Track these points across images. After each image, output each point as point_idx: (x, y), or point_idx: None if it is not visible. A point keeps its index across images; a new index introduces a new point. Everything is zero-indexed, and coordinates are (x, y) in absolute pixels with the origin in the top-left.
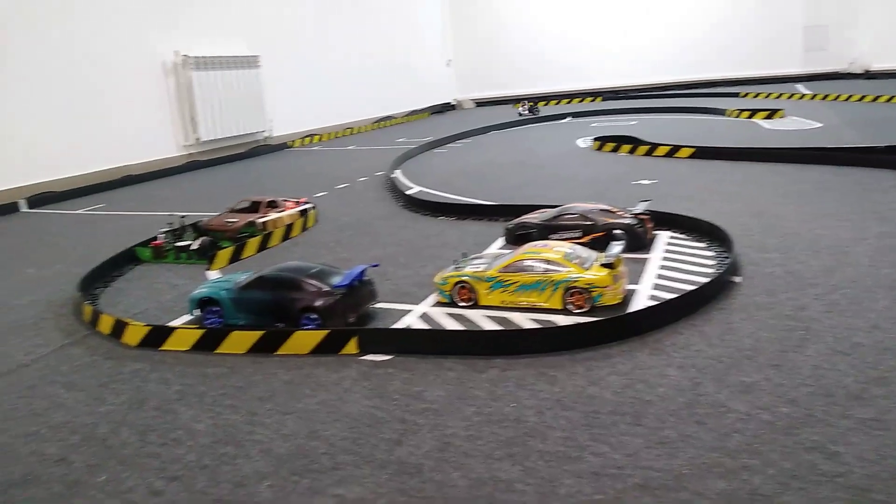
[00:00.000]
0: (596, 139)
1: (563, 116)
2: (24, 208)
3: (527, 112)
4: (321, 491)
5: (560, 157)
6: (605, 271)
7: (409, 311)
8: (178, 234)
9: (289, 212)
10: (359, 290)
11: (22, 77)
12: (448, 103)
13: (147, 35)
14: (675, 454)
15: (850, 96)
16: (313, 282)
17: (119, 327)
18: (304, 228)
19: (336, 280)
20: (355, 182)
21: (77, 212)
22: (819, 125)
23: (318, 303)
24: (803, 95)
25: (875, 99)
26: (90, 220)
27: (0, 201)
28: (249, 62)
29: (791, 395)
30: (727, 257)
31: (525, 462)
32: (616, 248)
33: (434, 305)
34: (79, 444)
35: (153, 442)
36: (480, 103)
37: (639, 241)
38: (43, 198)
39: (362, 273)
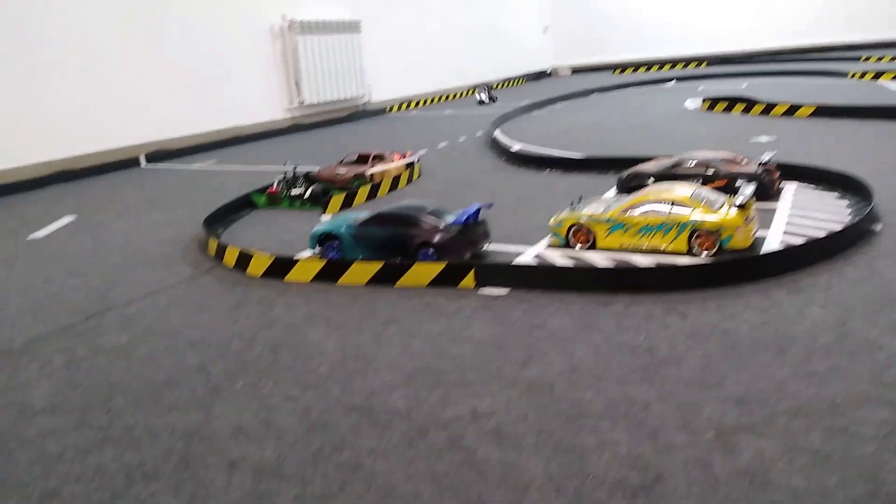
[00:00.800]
0: (706, 100)
1: (666, 81)
2: (143, 164)
3: (486, 98)
4: (454, 402)
5: (668, 118)
6: (735, 212)
7: (523, 252)
8: (290, 182)
9: (396, 164)
10: (474, 229)
11: (142, 43)
12: (544, 71)
13: None
14: (825, 385)
15: None
16: (430, 218)
17: (244, 259)
18: (410, 181)
19: (452, 218)
20: (455, 142)
21: (192, 167)
22: None
23: (436, 238)
24: None
25: None
26: (205, 175)
27: (122, 157)
28: (351, 27)
29: None
30: (865, 205)
31: (662, 386)
32: (749, 188)
33: (548, 248)
34: (215, 356)
35: (285, 357)
36: (577, 70)
37: (765, 191)
38: (160, 154)
39: (477, 212)
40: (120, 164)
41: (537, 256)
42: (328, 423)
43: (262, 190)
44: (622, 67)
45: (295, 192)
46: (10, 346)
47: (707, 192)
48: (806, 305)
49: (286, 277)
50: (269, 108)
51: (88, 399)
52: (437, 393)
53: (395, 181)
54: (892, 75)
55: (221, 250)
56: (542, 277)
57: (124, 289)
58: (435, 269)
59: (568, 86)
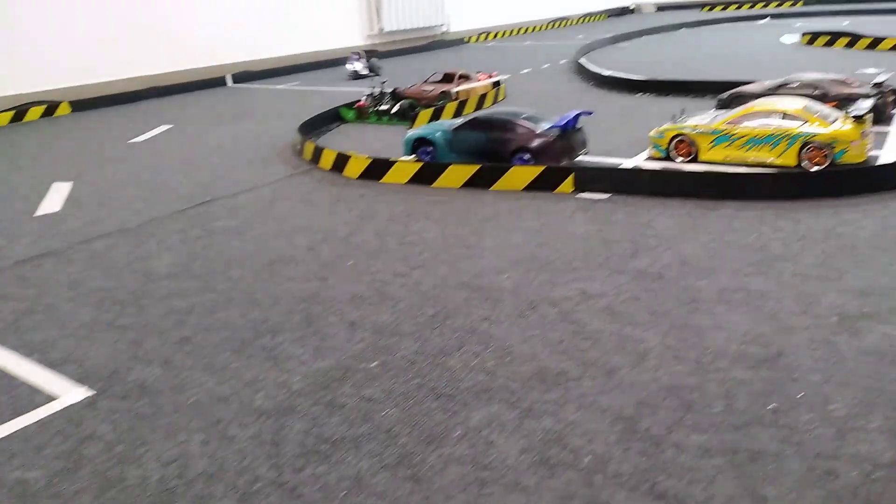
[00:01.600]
0: (805, 34)
1: (759, 18)
2: (230, 83)
3: (363, 69)
4: (561, 284)
5: (764, 51)
6: (852, 125)
7: (621, 163)
8: (378, 99)
9: (482, 82)
10: (572, 135)
11: None
12: (626, 7)
13: None
14: None
15: None
16: (527, 123)
17: (341, 161)
18: (496, 101)
19: (548, 124)
20: (539, 68)
21: (276, 87)
22: None
23: (533, 143)
24: None
25: None
26: (290, 93)
27: (210, 76)
28: None
29: None
30: None
31: (778, 278)
32: (866, 102)
33: (647, 160)
34: (322, 240)
35: (390, 242)
36: (662, 7)
37: (878, 114)
38: (245, 75)
39: (576, 118)
40: (207, 84)
41: (646, 166)
42: (439, 295)
43: (351, 105)
44: (711, 5)
45: (382, 107)
46: (129, 226)
47: (820, 106)
48: None
49: (382, 179)
50: (350, 35)
51: (208, 269)
52: (544, 276)
53: (481, 100)
54: None
55: (318, 153)
56: (645, 182)
57: (227, 184)
58: (532, 172)
59: (653, 21)
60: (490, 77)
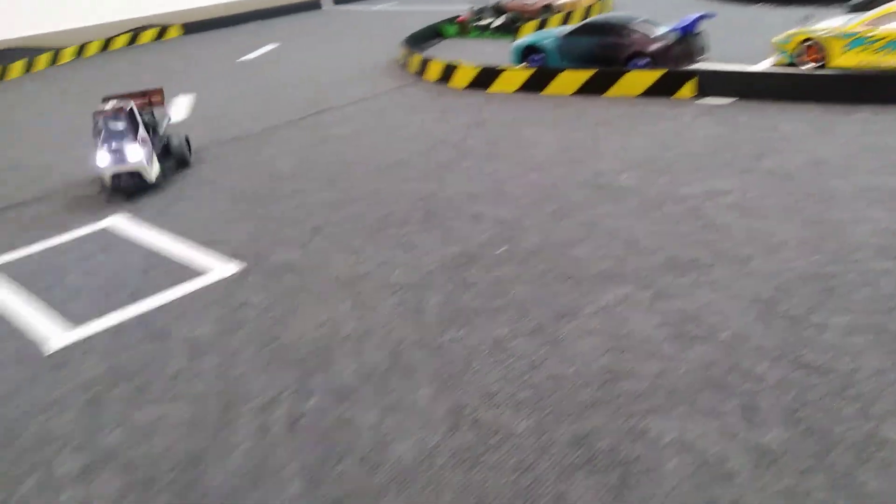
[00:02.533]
0: None
1: None
2: (326, 5)
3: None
4: (685, 184)
5: None
6: None
7: (744, 69)
8: (479, 13)
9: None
10: (691, 40)
11: None
12: None
13: None
14: None
15: None
16: (644, 27)
17: (448, 71)
18: (601, 12)
19: (665, 28)
20: None
21: (374, 8)
22: None
23: (650, 47)
24: None
25: None
26: (388, 14)
27: None
28: None
29: None
30: None
31: None
32: None
33: (772, 66)
34: (435, 144)
35: (504, 146)
36: None
37: None
38: None
39: (696, 21)
40: (304, 6)
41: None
42: (558, 194)
43: (452, 20)
44: None
45: (484, 21)
46: (249, 133)
47: None
48: None
49: (490, 88)
50: None
51: (328, 171)
52: (666, 177)
53: (587, 13)
54: None
55: (424, 65)
56: (773, 85)
57: (336, 96)
58: (651, 76)
59: None
60: None
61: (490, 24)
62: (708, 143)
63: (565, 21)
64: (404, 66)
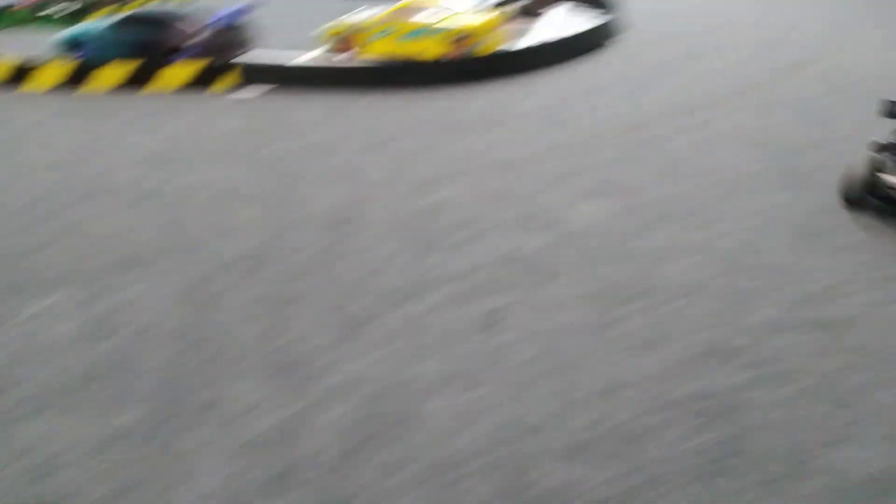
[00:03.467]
0: None
1: None
2: None
3: None
4: (184, 176)
5: None
6: (486, 18)
7: (289, 60)
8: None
9: None
10: (231, 32)
11: None
12: None
13: None
14: (524, 146)
15: None
16: (184, 21)
17: None
18: None
19: (209, 22)
20: None
21: None
22: None
23: (191, 41)
24: None
25: None
26: None
27: None
28: None
29: (636, 111)
30: (611, 17)
31: (386, 155)
32: None
33: (317, 57)
34: None
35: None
36: None
37: (527, 10)
38: None
39: (235, 15)
40: None
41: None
42: (48, 197)
43: (7, 8)
44: None
45: (53, 9)
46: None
47: (462, 1)
48: (533, 93)
49: (23, 86)
50: None
51: None
52: (166, 171)
53: None
54: None
55: None
56: (299, 75)
57: None
58: (189, 71)
59: None
60: None
61: (61, 10)
62: (224, 135)
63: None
64: None
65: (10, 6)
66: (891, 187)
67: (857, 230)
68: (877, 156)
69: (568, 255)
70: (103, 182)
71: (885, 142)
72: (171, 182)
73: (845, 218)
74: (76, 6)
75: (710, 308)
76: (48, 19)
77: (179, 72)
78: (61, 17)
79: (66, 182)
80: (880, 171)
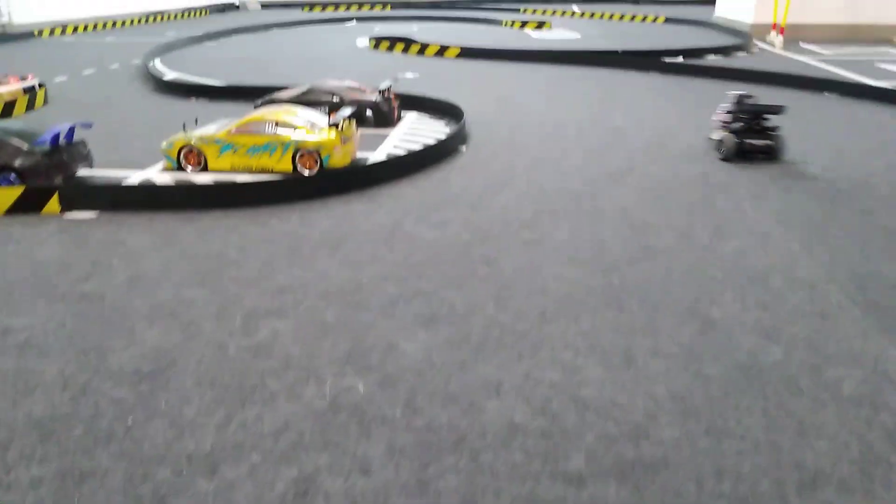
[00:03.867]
0: (372, 38)
1: (348, 20)
2: None
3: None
4: None
5: (337, 54)
6: (333, 133)
7: (130, 176)
8: None
9: (9, 87)
10: (66, 150)
11: None
12: (232, 3)
13: None
14: (360, 270)
15: (612, 15)
16: (15, 140)
17: None
18: (32, 107)
19: (39, 138)
20: (106, 69)
21: None
22: (578, 36)
23: (17, 162)
24: (574, 13)
25: (632, 18)
26: None
27: None
28: None
29: (475, 226)
30: (457, 128)
31: (215, 286)
32: (344, 111)
33: (161, 172)
34: None
35: None
36: (266, 5)
37: (384, 118)
38: None
39: (71, 132)
40: None
41: (145, 180)
42: None
43: None
44: (312, 5)
45: None
46: None
47: (311, 115)
48: (376, 211)
49: None
50: None
51: None
52: None
53: (9, 107)
54: (534, 25)
55: None
56: (133, 197)
57: None
58: (12, 194)
59: (252, 19)
60: (22, 80)
61: None
62: (42, 268)
63: None
64: None
65: None
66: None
67: (663, 360)
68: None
69: (389, 401)
70: None
71: (729, 113)
72: None
73: (664, 338)
74: None
75: (526, 456)
76: None
77: (5, 193)
78: None
79: None
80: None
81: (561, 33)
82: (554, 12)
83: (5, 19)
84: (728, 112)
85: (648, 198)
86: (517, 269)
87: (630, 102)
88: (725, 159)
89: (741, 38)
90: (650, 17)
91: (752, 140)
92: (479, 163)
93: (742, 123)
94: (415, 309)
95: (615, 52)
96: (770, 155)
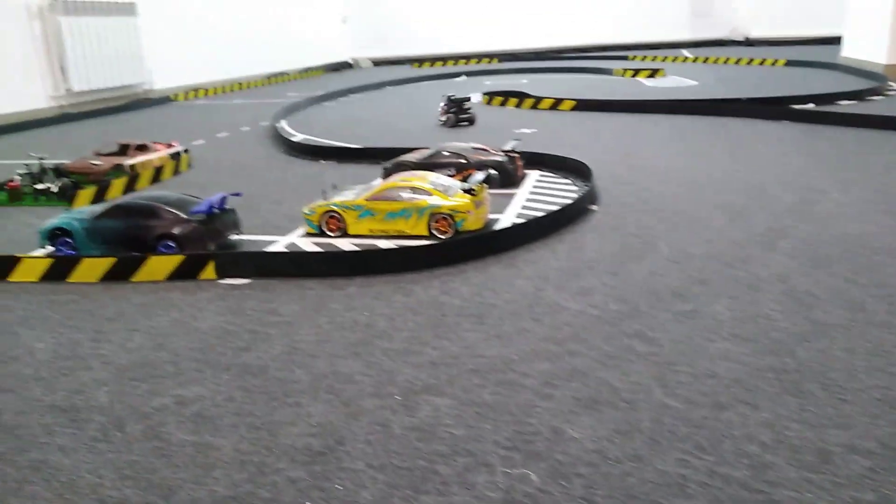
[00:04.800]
0: (485, 94)
1: (458, 75)
2: None
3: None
4: (160, 393)
5: None
6: (467, 197)
7: (276, 241)
8: (36, 176)
9: (158, 154)
10: (219, 218)
11: None
12: (345, 62)
13: None
14: (508, 345)
15: (727, 59)
16: (171, 209)
17: None
18: (177, 172)
19: (194, 208)
20: (237, 132)
21: None
22: (695, 83)
23: (176, 230)
24: (686, 58)
25: (749, 62)
26: None
27: None
28: (126, 9)
29: (622, 295)
30: (586, 188)
31: (369, 359)
32: (478, 176)
33: (303, 237)
34: None
35: None
36: (378, 62)
37: (509, 178)
38: None
39: (223, 201)
40: None
41: (290, 245)
42: (21, 424)
43: (1, 185)
44: (421, 61)
45: (41, 186)
46: None
47: (444, 180)
48: (514, 278)
49: (10, 277)
50: (31, 96)
51: None
52: (146, 386)
53: (158, 172)
54: (648, 73)
55: None
56: (282, 264)
57: None
58: (172, 262)
59: (365, 78)
60: (170, 147)
61: (48, 189)
62: (205, 337)
63: (131, 183)
64: None
65: (9, 181)
66: None
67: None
68: None
69: (567, 496)
70: (77, 403)
71: None
72: (145, 403)
73: (859, 431)
74: (65, 183)
75: None
76: (41, 196)
77: (163, 262)
78: (52, 194)
79: (37, 404)
80: None
81: (676, 81)
82: (665, 58)
83: (148, 86)
84: None
85: (807, 264)
86: (676, 345)
87: (763, 155)
88: None
89: (875, 81)
90: (769, 61)
91: None
92: (612, 224)
93: None
94: (573, 390)
95: (739, 100)
96: None
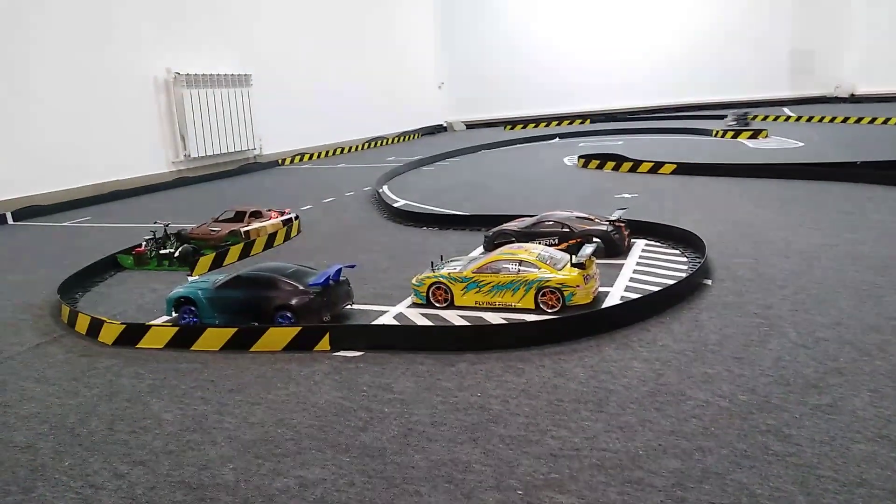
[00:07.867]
0: (581, 157)
1: (551, 137)
2: (9, 221)
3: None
4: (283, 473)
5: (546, 174)
6: (576, 271)
7: (385, 311)
8: (161, 242)
9: (272, 221)
10: (334, 290)
11: (11, 89)
12: (440, 125)
13: (140, 51)
14: (632, 437)
15: (833, 118)
16: (289, 281)
17: (95, 326)
18: (288, 237)
19: (310, 280)
20: (342, 196)
21: (63, 224)
22: (801, 144)
23: (294, 301)
24: (789, 117)
25: (858, 121)
26: (76, 232)
27: None
28: (241, 80)
29: (750, 384)
30: (699, 260)
31: (486, 445)
32: (588, 249)
33: (410, 307)
34: (47, 433)
35: (121, 430)
36: (471, 125)
37: (615, 248)
38: (29, 211)
39: (338, 273)
40: None
41: (399, 316)
42: (151, 500)
43: (129, 250)
44: (513, 123)
45: (164, 251)
46: None
47: (552, 252)
48: (631, 360)
49: (138, 344)
50: (153, 162)
51: None
52: (269, 464)
53: (272, 238)
54: (749, 134)
55: (73, 317)
56: (394, 338)
57: None
58: (289, 333)
59: (460, 141)
60: (283, 214)
61: (171, 253)
62: (323, 414)
63: (247, 249)
64: (57, 314)
65: (138, 245)
66: None
67: None
68: None
69: None
70: (205, 481)
71: None
72: (270, 483)
73: None
74: (186, 249)
75: None
76: (164, 260)
77: (280, 333)
78: (175, 258)
79: (167, 480)
80: None
81: (779, 141)
82: (766, 117)
83: (258, 151)
84: None
85: None
86: (817, 446)
87: (885, 225)
88: None
89: None
90: (879, 119)
91: None
92: (730, 301)
93: None
94: (708, 494)
95: (853, 164)
96: None
